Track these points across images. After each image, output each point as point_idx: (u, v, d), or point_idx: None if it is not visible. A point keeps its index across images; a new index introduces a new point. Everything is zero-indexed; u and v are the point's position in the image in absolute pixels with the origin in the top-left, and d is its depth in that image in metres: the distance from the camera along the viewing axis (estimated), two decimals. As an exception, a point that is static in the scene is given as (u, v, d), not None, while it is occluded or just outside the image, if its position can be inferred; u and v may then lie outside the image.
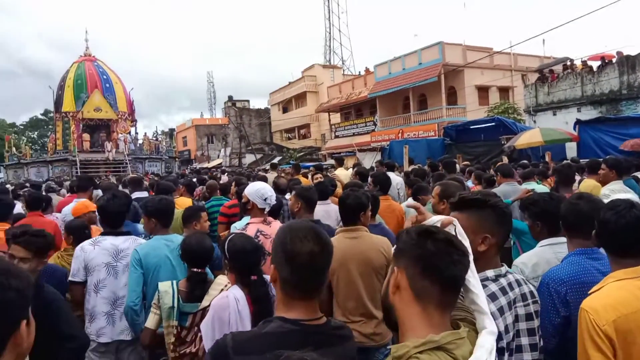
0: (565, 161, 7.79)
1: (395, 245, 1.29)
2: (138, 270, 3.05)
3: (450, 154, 13.66)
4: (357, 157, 20.72)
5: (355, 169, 7.33)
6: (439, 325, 1.14)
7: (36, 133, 67.07)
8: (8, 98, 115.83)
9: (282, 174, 9.88)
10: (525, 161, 10.02)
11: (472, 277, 1.24)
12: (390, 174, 6.59)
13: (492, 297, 1.57)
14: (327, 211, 4.60)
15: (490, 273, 1.65)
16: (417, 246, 1.18)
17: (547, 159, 10.42)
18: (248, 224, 3.36)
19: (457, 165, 8.69)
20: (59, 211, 5.68)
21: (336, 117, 36.87)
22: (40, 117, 67.65)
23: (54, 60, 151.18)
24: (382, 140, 24.12)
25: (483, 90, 26.73)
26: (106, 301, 3.16)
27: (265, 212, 3.40)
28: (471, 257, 1.24)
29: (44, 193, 6.97)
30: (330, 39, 51.92)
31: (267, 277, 2.57)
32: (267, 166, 22.36)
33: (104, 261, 3.18)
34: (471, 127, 16.24)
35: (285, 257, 1.40)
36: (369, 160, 18.64)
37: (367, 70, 34.31)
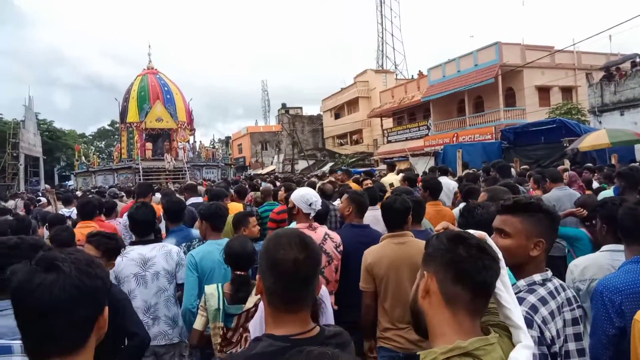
0: (632, 164, 7.29)
1: (424, 253, 1.26)
2: (194, 274, 3.16)
3: (508, 158, 13.16)
4: (410, 162, 20.42)
5: (403, 174, 7.23)
6: (469, 331, 1.13)
7: (103, 143, 71.43)
8: (78, 110, 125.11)
9: (333, 179, 9.90)
10: (590, 164, 9.48)
11: (504, 291, 1.21)
12: (445, 179, 6.46)
13: (543, 301, 1.57)
14: (375, 216, 4.56)
15: (537, 277, 1.64)
16: (448, 251, 1.17)
17: (613, 161, 9.80)
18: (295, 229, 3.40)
19: (513, 170, 8.35)
20: (122, 216, 6.02)
21: (389, 122, 36.57)
22: (107, 127, 72.10)
23: (119, 74, 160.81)
24: (436, 145, 23.64)
25: (544, 91, 25.58)
26: (139, 310, 3.15)
27: (311, 218, 3.42)
28: (504, 270, 1.22)
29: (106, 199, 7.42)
30: (382, 44, 51.79)
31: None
32: (319, 172, 22.52)
33: (132, 272, 3.22)
34: (531, 129, 15.55)
35: (268, 265, 1.34)
36: (422, 165, 18.29)
37: (420, 73, 33.83)
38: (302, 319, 1.35)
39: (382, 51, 51.74)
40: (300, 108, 53.61)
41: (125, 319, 2.52)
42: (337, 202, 5.21)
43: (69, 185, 33.48)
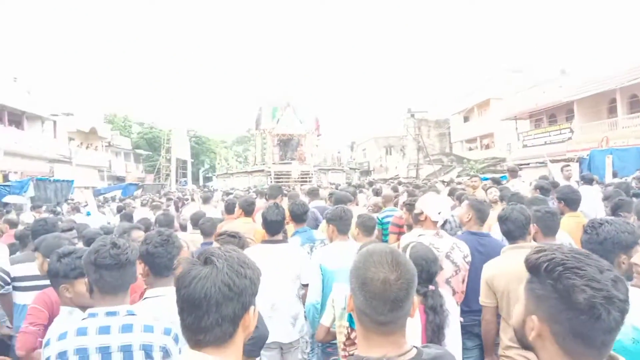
0: None
1: (529, 281, 1.08)
2: (319, 272, 3.32)
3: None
4: (549, 169, 18.67)
5: (535, 182, 6.63)
6: None
7: (241, 147, 77.58)
8: (220, 118, 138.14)
9: (464, 187, 9.48)
10: None
11: None
12: (588, 188, 5.85)
13: None
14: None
15: None
16: (564, 303, 0.97)
17: None
18: (420, 235, 3.36)
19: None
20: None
21: (524, 125, 33.87)
22: (245, 134, 78.25)
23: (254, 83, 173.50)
24: (581, 150, 21.28)
25: None
26: (266, 307, 3.29)
27: (438, 226, 3.35)
28: None
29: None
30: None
31: (442, 290, 2.52)
32: (446, 178, 21.75)
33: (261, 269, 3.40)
34: (701, 131, 13.18)
35: (357, 284, 1.27)
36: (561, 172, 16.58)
37: (562, 72, 30.80)
38: (395, 341, 1.27)
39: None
40: (427, 111, 52.37)
41: None
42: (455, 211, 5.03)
43: (211, 186, 37.13)
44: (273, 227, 3.67)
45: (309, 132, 33.11)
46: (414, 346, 1.29)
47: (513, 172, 8.32)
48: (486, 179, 10.92)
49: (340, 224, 3.57)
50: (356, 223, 4.11)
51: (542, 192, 5.19)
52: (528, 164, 22.99)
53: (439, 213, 3.32)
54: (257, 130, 34.87)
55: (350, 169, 35.19)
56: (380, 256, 1.27)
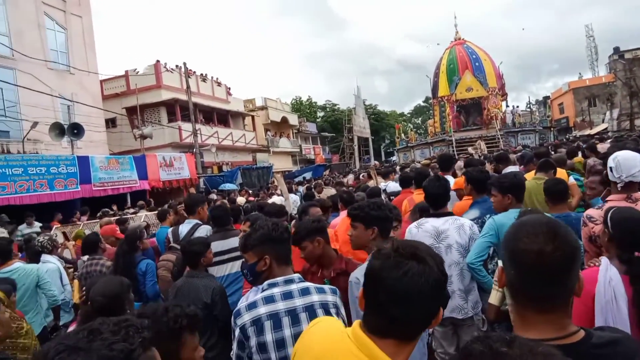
0: None
1: None
2: (488, 237, 3.14)
3: None
4: None
5: None
6: None
7: (420, 119, 76.61)
8: (395, 92, 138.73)
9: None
10: None
11: None
12: None
13: None
14: None
15: None
16: None
17: None
18: (606, 200, 2.83)
19: None
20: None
21: None
22: (422, 104, 77.05)
23: (428, 51, 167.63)
24: None
25: None
26: None
27: (619, 187, 2.76)
28: None
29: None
30: None
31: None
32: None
33: (427, 243, 3.26)
34: None
35: (508, 256, 1.16)
36: None
37: None
38: (556, 321, 1.14)
39: None
40: (640, 49, 43.47)
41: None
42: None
43: (393, 161, 37.64)
44: (435, 200, 3.51)
45: (492, 92, 30.68)
46: (582, 328, 1.14)
47: None
48: None
49: (518, 192, 3.28)
50: (543, 189, 3.67)
51: None
52: None
53: (610, 169, 2.75)
54: (434, 98, 33.81)
55: (544, 128, 31.41)
56: (534, 226, 1.16)
